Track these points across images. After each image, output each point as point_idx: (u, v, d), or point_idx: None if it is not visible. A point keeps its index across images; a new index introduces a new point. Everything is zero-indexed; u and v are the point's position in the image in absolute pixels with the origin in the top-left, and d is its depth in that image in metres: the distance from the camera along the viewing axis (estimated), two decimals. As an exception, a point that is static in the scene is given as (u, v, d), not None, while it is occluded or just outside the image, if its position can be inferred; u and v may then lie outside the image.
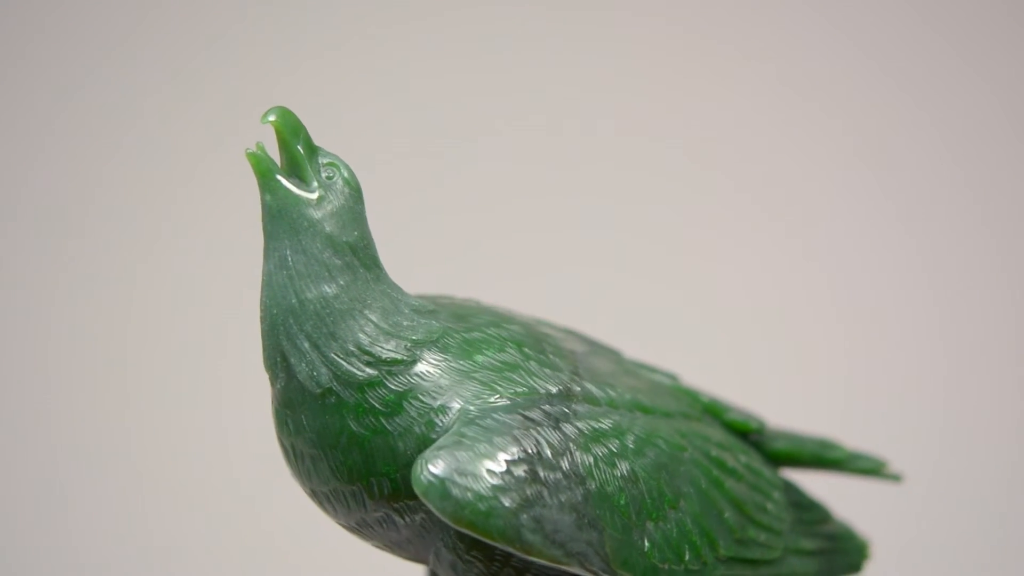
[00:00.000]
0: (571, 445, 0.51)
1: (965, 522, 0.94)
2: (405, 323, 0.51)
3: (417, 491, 0.48)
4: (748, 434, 0.61)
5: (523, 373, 0.52)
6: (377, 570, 0.72)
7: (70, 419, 0.96)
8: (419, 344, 0.51)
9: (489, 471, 0.49)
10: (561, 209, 0.95)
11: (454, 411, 0.50)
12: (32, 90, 0.99)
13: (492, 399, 0.50)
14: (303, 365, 0.50)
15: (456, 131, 0.97)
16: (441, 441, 0.49)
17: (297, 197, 0.50)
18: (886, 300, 0.97)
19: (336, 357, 0.50)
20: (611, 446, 0.52)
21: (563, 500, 0.50)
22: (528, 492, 0.49)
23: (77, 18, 0.99)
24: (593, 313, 0.80)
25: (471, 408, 0.50)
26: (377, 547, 0.54)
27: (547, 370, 0.52)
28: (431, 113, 0.98)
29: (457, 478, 0.48)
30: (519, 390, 0.51)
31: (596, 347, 0.58)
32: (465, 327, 0.52)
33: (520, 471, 0.49)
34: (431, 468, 0.48)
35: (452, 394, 0.50)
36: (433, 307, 0.53)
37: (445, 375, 0.50)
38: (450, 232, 0.96)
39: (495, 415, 0.50)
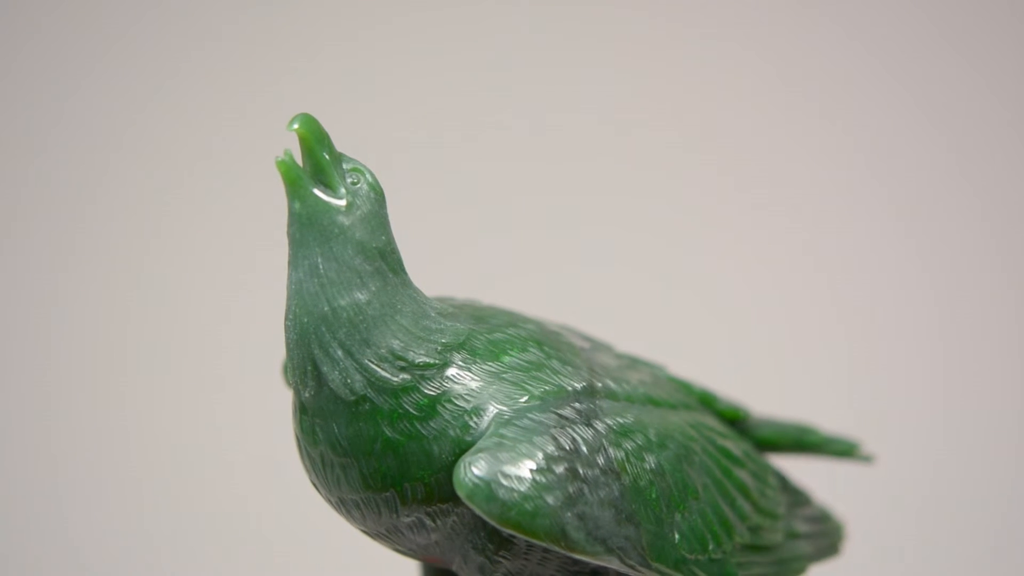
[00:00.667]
0: (604, 441, 0.51)
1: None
2: (433, 327, 0.51)
3: (461, 494, 0.48)
4: (736, 422, 0.62)
5: (548, 372, 0.52)
6: (376, 569, 0.73)
7: (69, 419, 0.97)
8: (448, 347, 0.51)
9: (532, 471, 0.49)
10: (550, 205, 0.95)
11: (488, 413, 0.50)
12: (32, 90, 0.99)
13: (523, 399, 0.51)
14: (336, 373, 0.49)
15: (451, 130, 0.98)
16: (481, 443, 0.49)
17: (327, 204, 0.50)
18: (884, 297, 0.99)
19: (370, 363, 0.49)
20: (637, 440, 0.53)
21: (602, 496, 0.51)
22: (570, 489, 0.50)
23: (77, 17, 0.99)
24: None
25: (505, 409, 0.50)
26: (400, 552, 0.54)
27: (569, 368, 0.53)
28: (427, 113, 0.99)
29: (502, 479, 0.48)
30: (547, 389, 0.51)
31: (594, 343, 0.58)
32: (486, 328, 0.52)
33: (561, 469, 0.50)
34: (475, 470, 0.48)
35: (484, 396, 0.50)
36: (452, 309, 0.53)
37: (476, 377, 0.51)
38: (441, 231, 0.96)
39: (530, 415, 0.50)
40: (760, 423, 0.64)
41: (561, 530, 0.49)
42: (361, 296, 0.50)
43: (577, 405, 0.52)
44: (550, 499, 0.49)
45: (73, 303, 0.98)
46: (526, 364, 0.52)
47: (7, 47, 0.98)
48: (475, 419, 0.50)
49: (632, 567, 0.52)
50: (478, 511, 0.49)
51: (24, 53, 0.98)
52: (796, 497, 0.63)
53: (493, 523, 0.49)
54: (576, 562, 0.53)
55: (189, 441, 0.95)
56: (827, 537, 0.63)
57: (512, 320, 0.54)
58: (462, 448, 0.50)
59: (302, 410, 0.51)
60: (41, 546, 0.92)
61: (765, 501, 0.59)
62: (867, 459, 0.67)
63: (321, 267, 0.50)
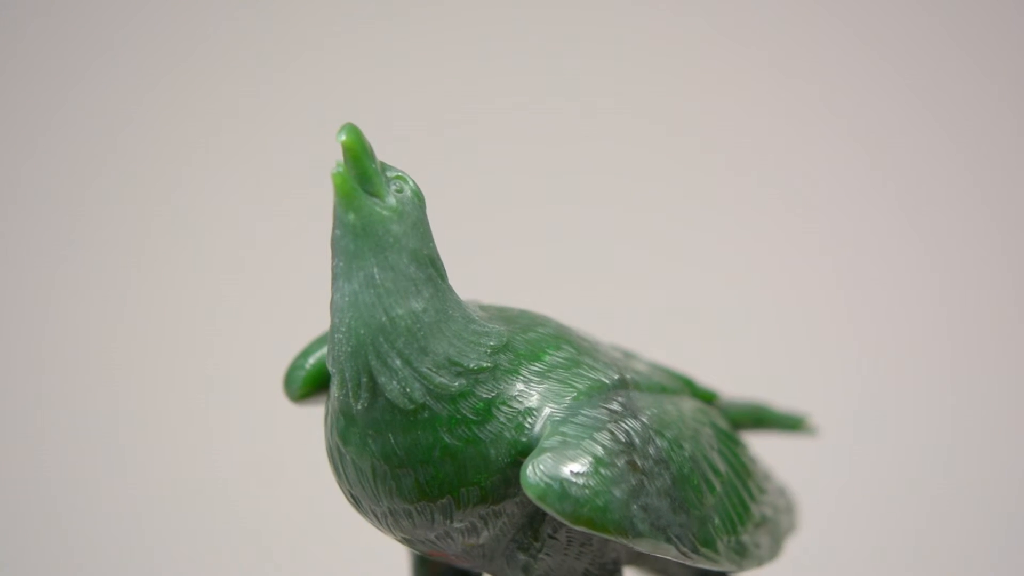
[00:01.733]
0: (650, 432, 0.52)
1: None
2: (480, 330, 0.51)
3: (532, 495, 0.49)
4: (710, 405, 0.63)
5: (585, 367, 0.53)
6: (376, 570, 0.74)
7: (68, 419, 0.96)
8: (496, 350, 0.51)
9: (599, 466, 0.50)
10: (544, 200, 0.95)
11: (541, 413, 0.51)
12: (33, 90, 0.99)
13: (570, 396, 0.51)
14: (394, 383, 0.49)
15: (451, 130, 0.99)
16: (545, 444, 0.50)
17: (381, 214, 0.50)
18: (884, 297, 1.01)
19: (428, 371, 0.50)
20: (673, 429, 0.54)
21: (659, 486, 0.52)
22: (633, 482, 0.51)
23: (75, 15, 0.99)
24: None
25: (556, 408, 0.51)
26: (438, 557, 0.54)
27: (599, 362, 0.53)
28: (424, 113, 0.99)
29: (573, 477, 0.49)
30: (589, 384, 0.52)
31: (589, 337, 0.58)
32: (519, 328, 0.53)
33: (622, 463, 0.51)
34: (546, 471, 0.49)
35: (535, 396, 0.51)
36: (484, 312, 0.53)
37: (524, 378, 0.51)
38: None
39: (583, 411, 0.51)
40: (725, 404, 0.65)
41: (630, 523, 0.50)
42: (417, 304, 0.50)
43: (620, 398, 0.53)
44: (618, 493, 0.50)
45: (72, 302, 0.98)
46: (565, 361, 0.53)
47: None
48: (529, 420, 0.51)
49: (685, 554, 0.53)
50: (551, 511, 0.49)
51: (23, 53, 0.99)
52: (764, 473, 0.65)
53: (565, 521, 0.49)
54: (604, 554, 0.54)
55: (188, 441, 0.95)
56: (792, 512, 0.64)
57: (533, 319, 0.55)
58: (517, 449, 0.51)
59: (350, 422, 0.51)
60: (40, 546, 0.93)
61: (757, 478, 0.60)
62: (812, 432, 0.69)
63: (377, 277, 0.50)
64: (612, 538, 0.50)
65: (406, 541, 0.53)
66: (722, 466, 0.56)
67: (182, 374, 0.97)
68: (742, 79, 1.00)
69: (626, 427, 0.52)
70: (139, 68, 0.99)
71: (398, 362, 0.49)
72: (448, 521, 0.51)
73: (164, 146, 0.99)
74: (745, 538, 0.56)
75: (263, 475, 0.94)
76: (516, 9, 1.00)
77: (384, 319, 0.49)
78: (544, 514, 0.52)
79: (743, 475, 0.58)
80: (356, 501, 0.53)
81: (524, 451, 0.51)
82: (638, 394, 0.54)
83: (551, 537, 0.52)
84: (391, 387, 0.50)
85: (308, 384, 0.56)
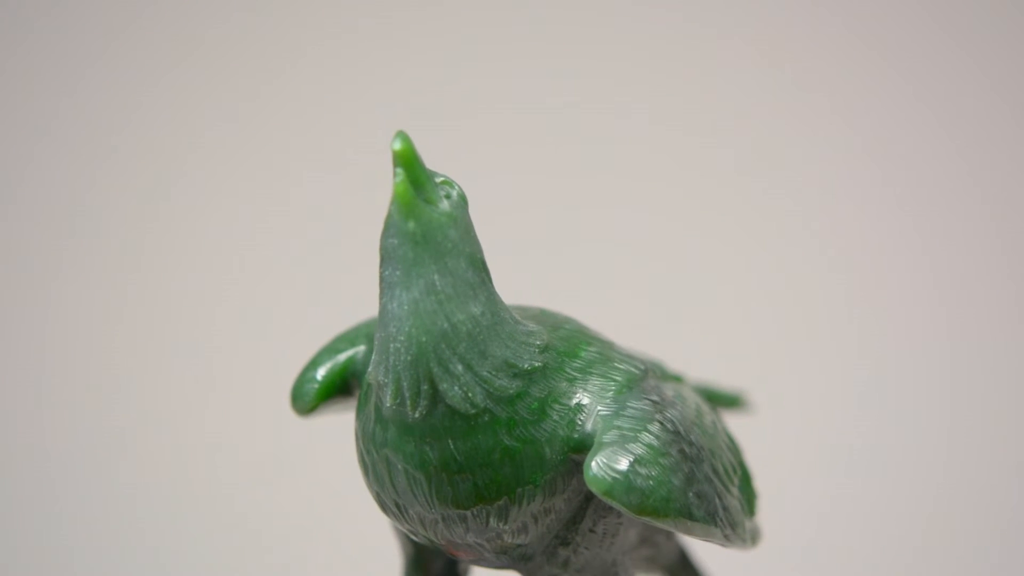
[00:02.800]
0: (688, 420, 0.54)
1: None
2: (527, 331, 0.52)
3: (598, 490, 0.50)
4: None
5: (616, 360, 0.53)
6: (374, 569, 0.74)
7: (66, 419, 0.96)
8: (542, 349, 0.52)
9: (657, 457, 0.51)
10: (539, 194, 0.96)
11: (589, 408, 0.51)
12: (33, 90, 0.98)
13: (612, 389, 0.52)
14: (456, 388, 0.50)
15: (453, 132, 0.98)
16: (604, 439, 0.51)
17: (440, 220, 0.50)
18: (882, 293, 1.02)
19: (488, 375, 0.50)
20: (697, 416, 0.55)
21: (704, 472, 0.53)
22: (686, 470, 0.52)
23: (75, 13, 0.98)
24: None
25: (603, 402, 0.52)
26: (469, 559, 0.55)
27: (623, 355, 0.54)
28: (424, 112, 0.99)
29: (638, 469, 0.50)
30: (627, 377, 0.53)
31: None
32: (550, 327, 0.54)
33: (675, 452, 0.52)
34: (610, 466, 0.50)
35: (581, 392, 0.52)
36: (517, 312, 0.54)
37: (568, 375, 0.52)
38: None
39: (631, 404, 0.52)
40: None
41: (688, 511, 0.52)
42: (475, 309, 0.50)
43: (655, 388, 0.54)
44: (676, 482, 0.51)
45: (72, 302, 0.98)
46: (598, 356, 0.53)
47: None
48: (579, 416, 0.51)
49: (727, 538, 0.54)
50: (617, 504, 0.50)
51: (24, 53, 0.98)
52: None
53: (629, 513, 0.50)
54: (625, 543, 0.55)
55: (187, 441, 0.96)
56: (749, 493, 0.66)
57: (556, 316, 0.56)
58: (570, 446, 0.51)
59: (404, 432, 0.50)
60: (40, 546, 0.93)
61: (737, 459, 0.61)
62: (750, 409, 0.70)
63: (438, 284, 0.50)
64: (669, 527, 0.51)
65: (450, 545, 0.53)
66: (730, 449, 0.58)
67: (181, 374, 0.98)
68: (744, 83, 1.02)
69: (670, 416, 0.53)
70: (140, 68, 1.00)
71: (460, 368, 0.50)
72: (502, 523, 0.51)
73: (164, 146, 1.00)
74: (757, 518, 0.58)
75: (262, 476, 0.94)
76: (515, 10, 1.01)
77: (446, 325, 0.49)
78: (586, 509, 0.53)
79: (740, 456, 0.59)
80: (401, 510, 0.53)
81: (576, 447, 0.51)
82: (659, 383, 0.55)
83: (591, 531, 0.53)
84: (453, 393, 0.50)
85: (320, 397, 0.56)
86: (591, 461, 0.50)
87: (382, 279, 0.51)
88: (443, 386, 0.50)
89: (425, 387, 0.50)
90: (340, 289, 0.97)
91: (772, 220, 1.02)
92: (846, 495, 0.97)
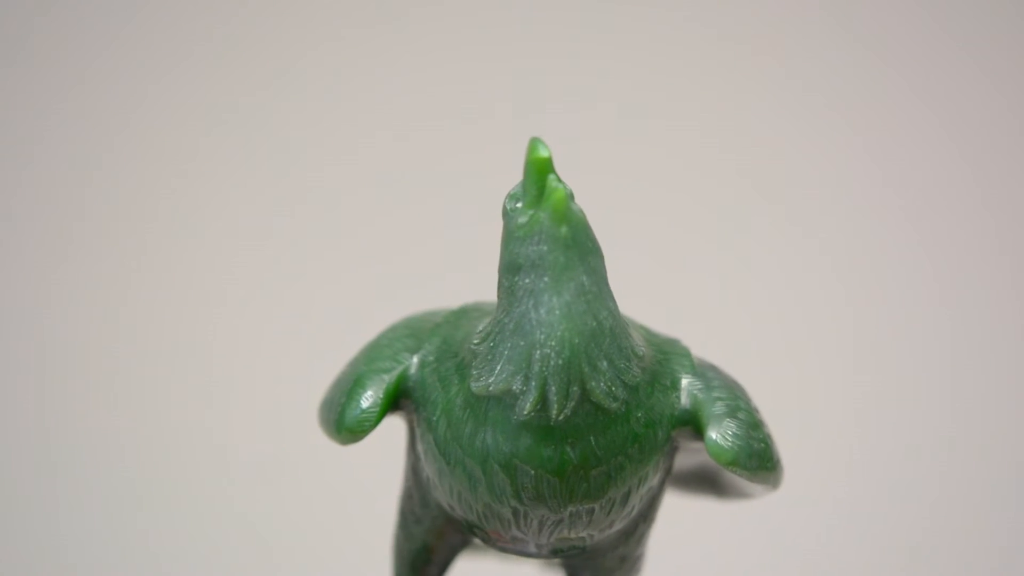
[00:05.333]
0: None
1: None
2: (626, 318, 0.52)
3: (723, 460, 0.50)
4: None
5: (665, 338, 0.54)
6: (373, 569, 0.73)
7: (65, 419, 0.95)
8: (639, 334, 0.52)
9: (756, 420, 0.52)
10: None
11: (679, 384, 0.52)
12: (33, 90, 0.97)
13: (686, 363, 0.52)
14: (601, 384, 0.49)
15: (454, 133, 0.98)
16: (714, 411, 0.51)
17: (583, 221, 0.49)
18: (883, 294, 1.00)
19: (624, 366, 0.50)
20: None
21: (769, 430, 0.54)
22: (768, 427, 0.53)
23: (75, 15, 0.98)
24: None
25: (688, 377, 0.52)
26: (570, 561, 0.55)
27: (658, 333, 0.55)
28: (424, 112, 0.98)
29: (752, 433, 0.51)
30: (686, 352, 0.53)
31: None
32: None
33: (759, 412, 0.53)
34: (732, 435, 0.51)
35: (669, 370, 0.52)
36: None
37: (656, 356, 0.52)
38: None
39: (709, 375, 0.53)
40: None
41: (782, 471, 0.53)
42: (611, 304, 0.50)
43: (703, 360, 0.54)
44: (773, 443, 0.52)
45: (72, 303, 0.96)
46: (655, 335, 0.54)
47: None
48: (675, 394, 0.52)
49: (778, 487, 0.55)
50: (740, 470, 0.51)
51: (24, 53, 0.98)
52: None
53: (746, 476, 0.51)
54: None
55: (186, 441, 0.94)
56: None
57: None
58: (673, 424, 0.51)
59: (543, 436, 0.50)
60: (37, 546, 0.91)
61: None
62: None
63: (586, 284, 0.49)
64: (770, 483, 0.52)
65: (559, 549, 0.53)
66: None
67: (181, 375, 0.96)
68: (744, 83, 1.00)
69: (735, 380, 0.53)
70: (139, 69, 0.98)
71: (604, 364, 0.49)
72: (622, 508, 0.51)
73: (164, 147, 0.98)
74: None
75: (262, 476, 0.94)
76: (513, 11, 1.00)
77: (594, 324, 0.49)
78: (663, 486, 0.53)
79: None
80: (518, 517, 0.52)
81: (676, 424, 0.51)
82: None
83: (653, 519, 0.54)
84: (600, 390, 0.49)
85: (376, 426, 0.53)
86: (711, 434, 0.51)
87: (517, 288, 0.49)
88: (591, 384, 0.49)
89: (574, 388, 0.49)
90: (340, 289, 0.97)
91: (772, 220, 1.02)
92: (846, 495, 0.97)
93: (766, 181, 1.00)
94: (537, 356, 0.49)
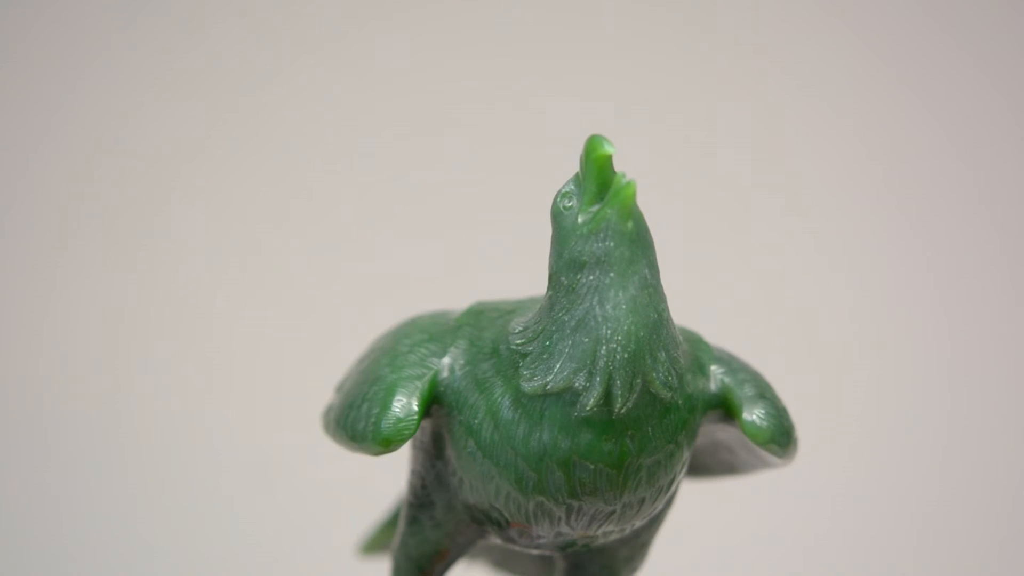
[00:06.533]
0: None
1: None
2: None
3: (760, 439, 0.52)
4: None
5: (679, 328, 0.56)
6: (371, 569, 0.73)
7: (64, 418, 0.95)
8: None
9: (778, 397, 0.54)
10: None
11: (708, 369, 0.53)
12: (35, 90, 0.98)
13: (707, 348, 0.54)
14: (660, 374, 0.50)
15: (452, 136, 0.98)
16: (746, 393, 0.53)
17: (642, 215, 0.50)
18: (882, 294, 1.00)
19: (676, 355, 0.51)
20: None
21: None
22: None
23: (74, 15, 0.98)
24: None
25: (713, 362, 0.54)
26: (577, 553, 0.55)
27: None
28: (423, 113, 0.98)
29: (780, 413, 0.53)
30: (702, 338, 0.55)
31: None
32: None
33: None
34: (768, 416, 0.53)
35: (695, 354, 0.53)
36: None
37: (686, 343, 0.53)
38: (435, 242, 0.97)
39: (726, 358, 0.54)
40: None
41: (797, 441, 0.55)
42: (665, 295, 0.51)
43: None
44: (791, 419, 0.54)
45: (73, 303, 0.97)
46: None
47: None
48: (703, 379, 0.53)
49: None
50: (773, 447, 0.53)
51: (24, 53, 0.98)
52: None
53: (776, 452, 0.53)
54: None
55: (187, 442, 0.95)
56: None
57: None
58: (704, 409, 0.53)
59: (604, 430, 0.51)
60: (37, 546, 0.92)
61: None
62: None
63: (648, 278, 0.50)
64: (787, 458, 0.54)
65: (584, 537, 0.54)
66: None
67: (181, 376, 0.97)
68: (745, 84, 1.01)
69: (746, 362, 0.55)
70: (141, 69, 0.98)
71: (663, 355, 0.50)
72: (667, 494, 0.53)
73: (164, 147, 0.99)
74: None
75: (261, 476, 0.93)
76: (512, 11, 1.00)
77: (655, 316, 0.50)
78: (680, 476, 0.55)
79: None
80: (572, 512, 0.52)
81: (707, 408, 0.53)
82: None
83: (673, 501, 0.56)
84: (658, 380, 0.50)
85: (414, 433, 0.53)
86: (749, 416, 0.53)
87: (580, 285, 0.50)
88: (652, 375, 0.50)
89: (638, 381, 0.50)
90: (340, 290, 0.97)
91: (771, 220, 1.01)
92: (845, 496, 0.97)
93: (765, 181, 1.01)
94: (603, 351, 0.49)
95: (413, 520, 0.56)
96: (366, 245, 0.98)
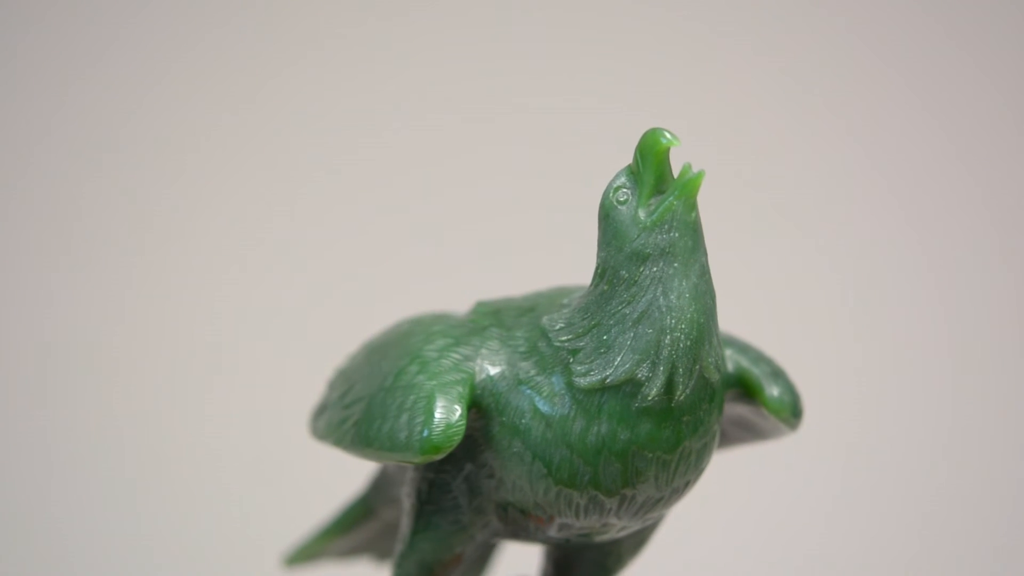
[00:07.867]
0: None
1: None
2: None
3: (783, 413, 0.55)
4: None
5: None
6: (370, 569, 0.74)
7: (67, 419, 0.96)
8: None
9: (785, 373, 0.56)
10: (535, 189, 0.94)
11: (725, 352, 0.54)
12: (35, 90, 0.98)
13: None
14: (713, 359, 0.51)
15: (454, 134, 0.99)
16: (763, 370, 0.55)
17: (697, 205, 0.51)
18: (882, 294, 1.01)
19: (720, 340, 0.52)
20: None
21: None
22: None
23: (75, 15, 0.99)
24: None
25: (727, 346, 0.55)
26: (568, 538, 0.55)
27: None
28: (424, 113, 0.99)
29: (794, 387, 0.55)
30: None
31: None
32: None
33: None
34: (788, 391, 0.55)
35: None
36: None
37: None
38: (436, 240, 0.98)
39: (736, 340, 0.56)
40: None
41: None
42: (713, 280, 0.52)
43: None
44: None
45: (73, 304, 0.97)
46: None
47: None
48: (723, 361, 0.54)
49: None
50: (792, 420, 0.55)
51: (24, 53, 0.98)
52: None
53: (794, 425, 0.55)
54: None
55: (188, 442, 0.95)
56: None
57: None
58: (725, 388, 0.54)
59: (663, 419, 0.51)
60: (37, 545, 0.92)
61: None
62: None
63: (705, 265, 0.51)
64: (796, 429, 0.56)
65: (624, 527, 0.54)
66: None
67: (182, 376, 0.97)
68: (744, 84, 1.01)
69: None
70: (141, 69, 0.99)
71: (715, 339, 0.51)
72: (699, 474, 0.53)
73: (164, 147, 0.99)
74: None
75: (262, 476, 0.94)
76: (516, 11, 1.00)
77: (711, 303, 0.51)
78: None
79: None
80: (624, 501, 0.53)
81: (726, 388, 0.54)
82: None
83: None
84: (711, 365, 0.51)
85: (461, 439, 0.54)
86: (772, 392, 0.54)
87: (642, 278, 0.50)
88: (707, 360, 0.51)
89: (696, 367, 0.51)
90: (340, 290, 0.97)
91: (771, 220, 1.02)
92: (845, 496, 0.97)
93: (765, 180, 1.01)
94: (667, 341, 0.50)
95: (427, 525, 0.55)
96: (366, 245, 0.99)
